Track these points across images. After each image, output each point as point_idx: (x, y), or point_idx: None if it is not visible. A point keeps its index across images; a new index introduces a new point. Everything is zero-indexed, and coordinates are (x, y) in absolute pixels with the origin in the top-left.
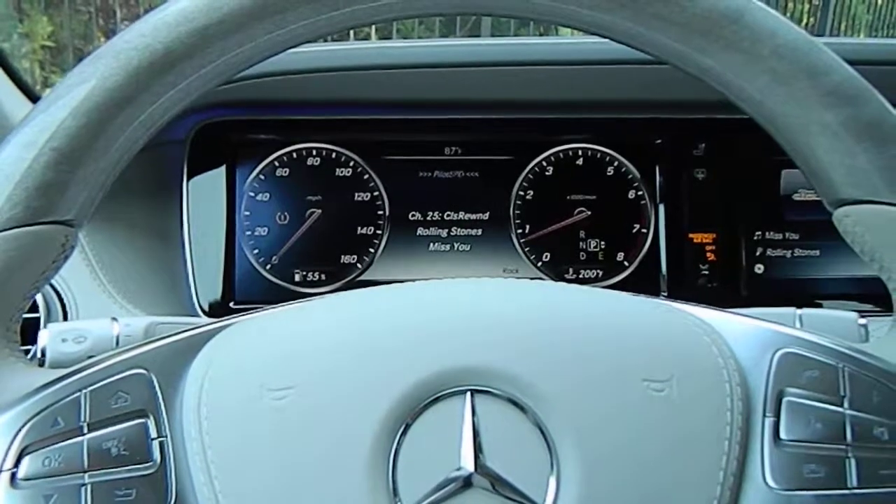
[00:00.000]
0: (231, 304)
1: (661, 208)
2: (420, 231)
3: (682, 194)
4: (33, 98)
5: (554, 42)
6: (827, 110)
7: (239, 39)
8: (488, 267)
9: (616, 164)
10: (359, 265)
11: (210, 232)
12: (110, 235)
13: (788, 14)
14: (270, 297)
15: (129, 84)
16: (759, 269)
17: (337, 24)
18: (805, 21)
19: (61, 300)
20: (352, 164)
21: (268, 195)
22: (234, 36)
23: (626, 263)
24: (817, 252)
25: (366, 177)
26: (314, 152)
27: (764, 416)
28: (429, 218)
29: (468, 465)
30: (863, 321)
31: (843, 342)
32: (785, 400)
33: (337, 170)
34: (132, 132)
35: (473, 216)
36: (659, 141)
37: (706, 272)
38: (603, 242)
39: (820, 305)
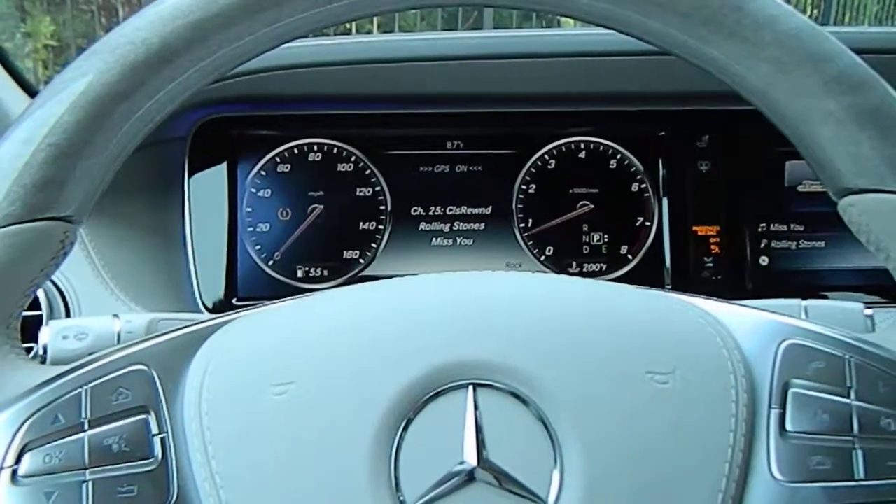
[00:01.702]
0: (233, 301)
1: (665, 201)
2: (422, 226)
3: (686, 187)
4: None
5: (556, 34)
6: (830, 98)
7: (237, 33)
8: (491, 261)
9: (619, 156)
10: (361, 260)
11: (212, 228)
12: (113, 233)
13: (792, 5)
14: (273, 294)
15: (126, 79)
16: (764, 261)
17: (335, 17)
18: (809, 12)
19: (63, 298)
20: (353, 159)
21: (269, 191)
22: (231, 29)
23: (629, 257)
24: (822, 244)
25: (367, 172)
26: (315, 148)
27: (769, 407)
28: (431, 212)
29: (471, 459)
30: (869, 312)
31: (849, 333)
32: (791, 391)
33: (338, 165)
34: (131, 127)
35: (476, 210)
36: (662, 133)
37: (710, 265)
38: (606, 236)
39: (826, 297)
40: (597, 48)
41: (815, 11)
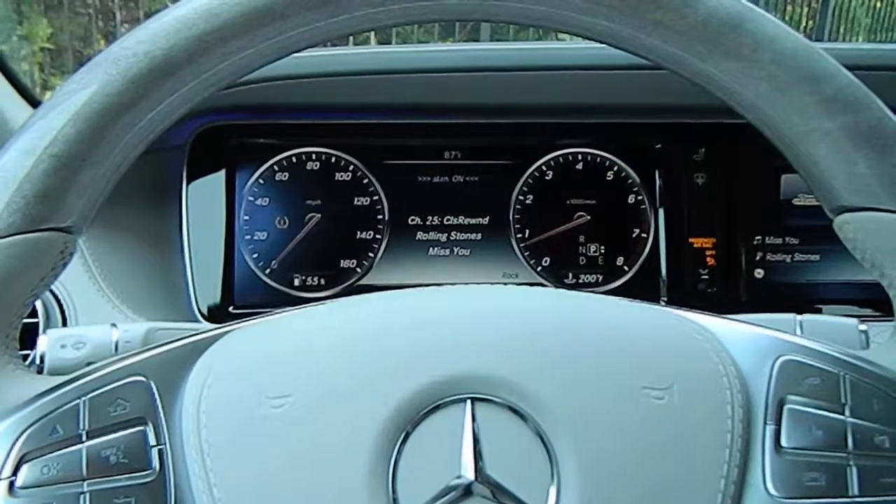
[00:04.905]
0: (230, 309)
1: (661, 213)
2: (420, 235)
3: (682, 199)
4: (32, 101)
5: (553, 47)
6: (827, 117)
7: (239, 45)
8: (488, 271)
9: (616, 168)
10: (358, 270)
11: (209, 236)
12: (109, 241)
13: (787, 18)
14: (270, 302)
15: (128, 91)
16: (759, 273)
17: (337, 30)
18: (804, 25)
19: (60, 306)
20: (351, 168)
21: (267, 200)
22: (233, 42)
23: (625, 268)
24: (817, 257)
25: (365, 181)
26: (314, 157)
27: (765, 423)
28: (428, 222)
29: (468, 473)
30: (863, 327)
31: (844, 349)
32: (786, 407)
33: (336, 174)
34: (132, 138)
35: (473, 220)
36: (659, 145)
37: (706, 277)
38: (603, 247)
39: (820, 310)
40: (594, 61)
41: (811, 23)
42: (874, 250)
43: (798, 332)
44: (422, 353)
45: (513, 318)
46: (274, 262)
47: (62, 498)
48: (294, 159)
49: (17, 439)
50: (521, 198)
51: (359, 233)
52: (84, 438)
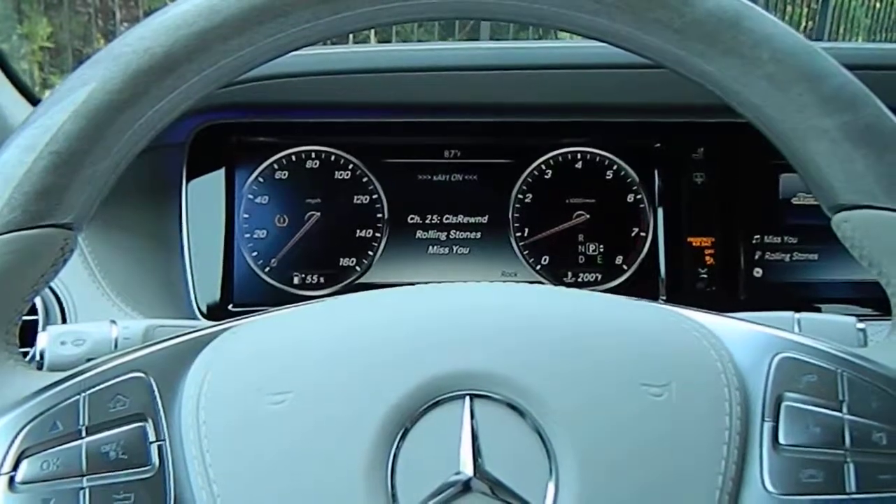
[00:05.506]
0: (229, 307)
1: (660, 212)
2: (419, 234)
3: (681, 198)
4: (32, 99)
5: (553, 46)
6: (825, 116)
7: (239, 43)
8: (487, 270)
9: (615, 167)
10: (357, 268)
11: (209, 234)
12: (109, 238)
13: (787, 18)
14: (269, 300)
15: (128, 87)
16: (758, 272)
17: (337, 28)
18: (804, 25)
19: (60, 303)
20: (351, 166)
21: (267, 198)
22: (234, 39)
23: (624, 267)
24: (816, 256)
25: (365, 180)
26: (313, 155)
27: (763, 420)
28: (428, 221)
29: (467, 469)
30: (861, 325)
31: (842, 347)
32: (784, 405)
33: (336, 173)
34: (132, 135)
35: (472, 219)
36: (658, 144)
37: (705, 276)
38: (602, 246)
39: (818, 309)
40: (593, 60)
41: (811, 23)
42: (872, 248)
43: (796, 329)
44: (420, 349)
45: (512, 315)
46: (273, 260)
47: (62, 493)
48: (294, 157)
49: (17, 435)
50: (520, 196)
51: (358, 231)
52: (84, 434)
